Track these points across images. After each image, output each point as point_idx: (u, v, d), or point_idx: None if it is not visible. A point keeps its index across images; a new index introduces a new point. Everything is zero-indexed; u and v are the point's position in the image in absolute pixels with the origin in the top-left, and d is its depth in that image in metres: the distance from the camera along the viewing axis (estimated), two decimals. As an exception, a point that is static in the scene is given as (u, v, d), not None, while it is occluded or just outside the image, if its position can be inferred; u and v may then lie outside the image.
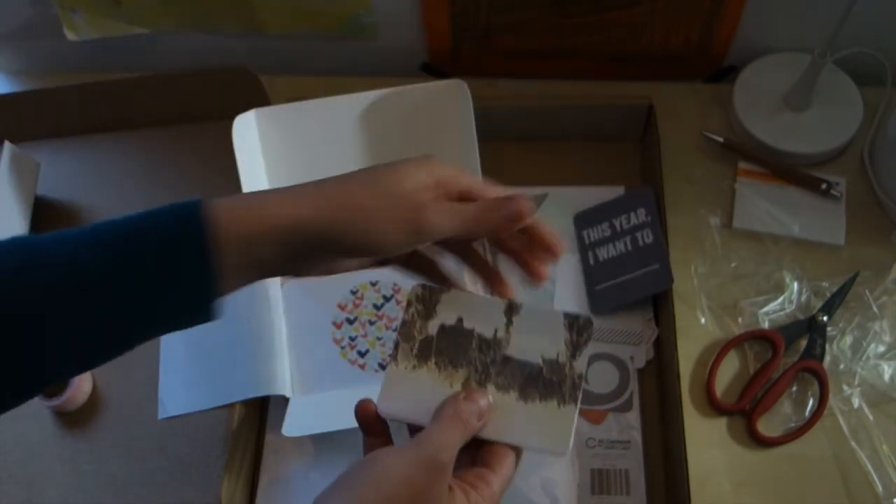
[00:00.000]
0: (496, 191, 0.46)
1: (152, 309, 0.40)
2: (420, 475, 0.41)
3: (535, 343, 0.48)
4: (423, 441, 0.43)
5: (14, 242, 0.39)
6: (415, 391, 0.47)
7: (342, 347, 0.76)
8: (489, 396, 0.47)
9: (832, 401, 0.68)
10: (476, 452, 0.46)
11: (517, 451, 0.46)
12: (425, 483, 0.41)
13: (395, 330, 0.48)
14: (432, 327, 0.49)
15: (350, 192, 0.43)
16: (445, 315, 0.49)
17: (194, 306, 0.41)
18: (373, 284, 0.77)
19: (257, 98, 0.80)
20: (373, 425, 0.47)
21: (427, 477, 0.41)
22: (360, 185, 0.43)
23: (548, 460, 0.71)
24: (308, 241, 0.41)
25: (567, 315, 0.48)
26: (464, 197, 0.45)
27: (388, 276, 0.77)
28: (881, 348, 0.70)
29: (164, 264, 0.39)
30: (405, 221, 0.43)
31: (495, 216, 0.45)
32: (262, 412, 0.76)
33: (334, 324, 0.76)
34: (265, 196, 0.43)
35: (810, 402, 0.69)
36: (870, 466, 0.66)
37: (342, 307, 0.77)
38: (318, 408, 0.73)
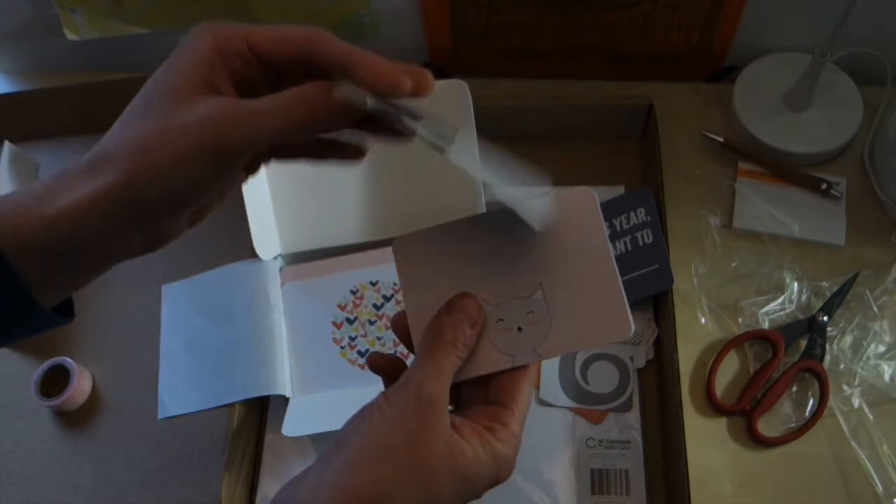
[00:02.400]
0: (294, 38, 0.37)
1: None
2: (410, 416, 0.37)
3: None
4: (408, 378, 0.39)
5: None
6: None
7: (342, 347, 0.76)
8: (477, 299, 0.41)
9: (832, 401, 0.68)
10: (486, 385, 0.42)
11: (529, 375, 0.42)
12: (418, 424, 0.37)
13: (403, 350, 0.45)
14: None
15: (124, 132, 0.36)
16: None
17: (21, 317, 0.37)
18: (373, 284, 0.77)
19: (257, 98, 0.80)
20: (388, 370, 0.42)
21: (418, 416, 0.37)
22: (135, 119, 0.36)
23: (548, 459, 0.71)
24: (107, 220, 0.35)
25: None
26: (256, 51, 0.37)
27: (389, 276, 0.77)
28: (881, 348, 0.70)
29: None
30: (190, 143, 0.34)
31: (320, 113, 0.35)
32: (262, 412, 0.76)
33: (334, 324, 0.76)
34: (43, 192, 0.35)
35: (810, 402, 0.69)
36: (870, 466, 0.66)
37: (342, 307, 0.77)
38: (318, 408, 0.73)
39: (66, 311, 0.40)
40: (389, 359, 0.43)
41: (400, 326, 0.43)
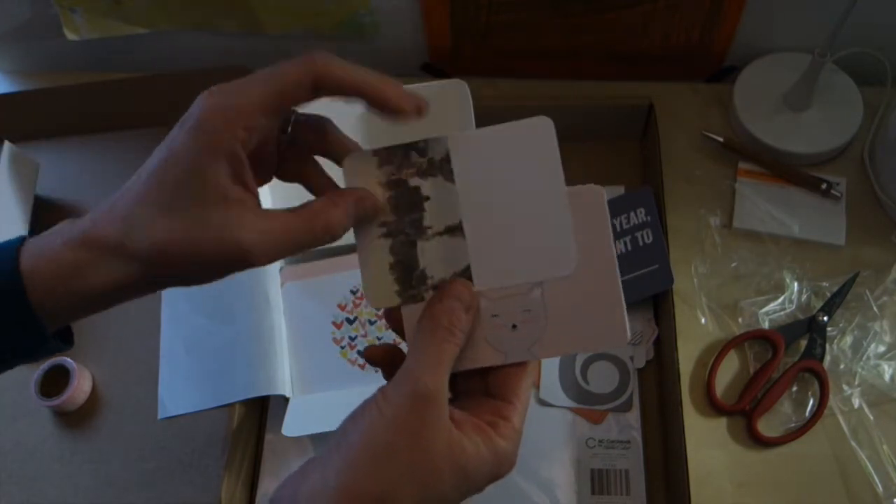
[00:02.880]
0: (295, 91, 0.38)
1: None
2: (408, 413, 0.36)
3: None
4: (405, 371, 0.38)
5: None
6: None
7: (342, 347, 0.76)
8: (470, 285, 0.40)
9: (832, 401, 0.68)
10: (486, 378, 0.41)
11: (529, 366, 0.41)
12: (418, 420, 0.36)
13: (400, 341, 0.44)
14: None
15: (154, 228, 0.37)
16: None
17: (28, 348, 0.40)
18: (373, 284, 0.77)
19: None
20: (385, 361, 0.43)
21: (416, 413, 0.36)
22: (165, 216, 0.37)
23: (548, 459, 0.71)
24: (131, 295, 0.41)
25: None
26: (273, 116, 0.39)
27: (388, 276, 0.77)
28: (881, 348, 0.70)
29: None
30: (219, 264, 0.38)
31: (340, 230, 0.40)
32: (262, 412, 0.76)
33: (334, 324, 0.76)
34: (75, 263, 0.38)
35: (810, 402, 0.69)
36: (870, 466, 0.66)
37: (342, 307, 0.77)
38: (318, 408, 0.73)
39: (66, 336, 0.44)
40: (385, 349, 0.42)
41: (394, 317, 0.43)
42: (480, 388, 0.41)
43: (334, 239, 0.40)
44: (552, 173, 0.41)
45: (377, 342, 0.75)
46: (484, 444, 0.38)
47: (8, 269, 0.38)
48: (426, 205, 0.41)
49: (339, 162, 0.43)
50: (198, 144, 0.37)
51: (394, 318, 0.43)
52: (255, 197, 0.39)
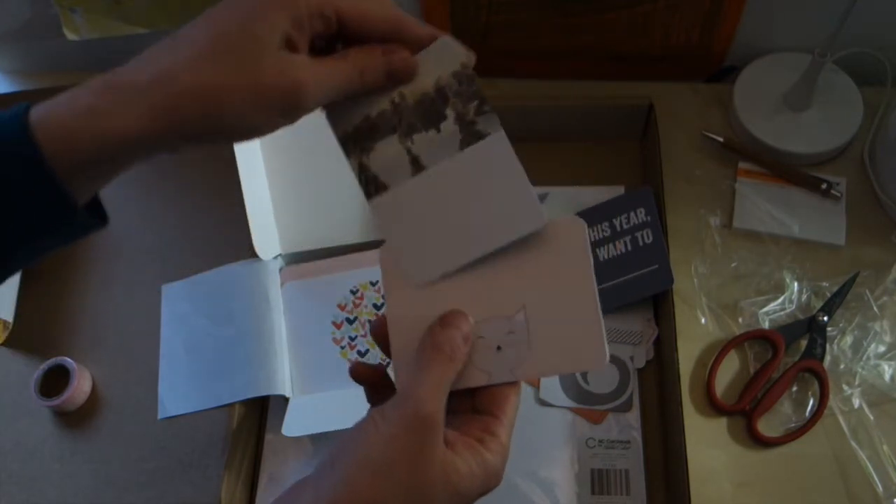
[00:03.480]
0: (380, 22, 0.41)
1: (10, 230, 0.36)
2: (407, 434, 0.37)
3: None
4: (404, 393, 0.39)
5: None
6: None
7: (342, 347, 0.76)
8: (469, 317, 0.42)
9: (832, 401, 0.68)
10: (473, 396, 0.42)
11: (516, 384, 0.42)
12: (416, 442, 0.37)
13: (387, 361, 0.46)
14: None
15: (198, 72, 0.36)
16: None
17: (56, 222, 0.37)
18: (373, 284, 0.77)
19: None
20: (370, 380, 0.43)
21: (416, 435, 0.37)
22: (210, 61, 0.36)
23: (548, 459, 0.71)
24: (157, 146, 0.37)
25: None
26: (341, 21, 0.39)
27: (388, 276, 0.77)
28: (881, 348, 0.70)
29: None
30: (274, 100, 0.37)
31: (379, 73, 0.41)
32: (262, 412, 0.76)
33: (334, 324, 0.76)
34: (95, 108, 0.36)
35: (810, 402, 0.69)
36: (870, 466, 0.66)
37: (342, 307, 0.77)
38: (317, 408, 0.73)
39: (101, 215, 0.40)
40: (372, 369, 0.43)
41: (379, 333, 0.44)
42: (468, 406, 0.42)
43: (374, 84, 0.41)
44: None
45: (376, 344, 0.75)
46: (474, 461, 0.39)
47: (16, 125, 0.35)
48: (430, 133, 0.44)
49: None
50: (275, 9, 0.37)
51: (380, 334, 0.44)
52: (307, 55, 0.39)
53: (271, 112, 0.37)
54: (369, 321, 0.76)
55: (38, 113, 0.35)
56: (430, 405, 0.38)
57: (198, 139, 0.37)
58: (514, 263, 0.43)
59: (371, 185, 0.44)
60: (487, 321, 0.43)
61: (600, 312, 0.42)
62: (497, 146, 0.43)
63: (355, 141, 0.44)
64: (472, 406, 0.42)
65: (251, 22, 0.37)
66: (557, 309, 0.42)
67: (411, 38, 0.42)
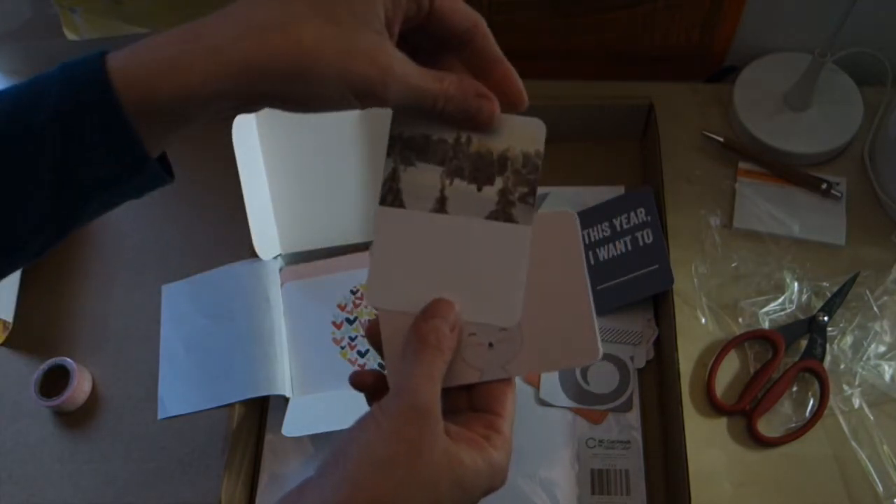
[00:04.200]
0: (464, 15, 0.40)
1: (82, 177, 0.35)
2: (407, 426, 0.37)
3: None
4: (399, 387, 0.39)
5: None
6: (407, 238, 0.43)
7: (342, 347, 0.76)
8: (454, 305, 0.42)
9: (832, 401, 0.68)
10: (469, 392, 0.42)
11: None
12: (416, 433, 0.37)
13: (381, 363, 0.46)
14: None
15: (291, 33, 0.35)
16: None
17: (128, 171, 0.36)
18: (373, 284, 0.77)
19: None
20: (371, 387, 0.43)
21: (415, 425, 0.37)
22: (306, 24, 0.35)
23: (548, 459, 0.71)
24: (236, 104, 0.37)
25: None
26: (433, 8, 0.39)
27: (388, 276, 0.77)
28: (882, 348, 0.70)
29: (75, 134, 0.34)
30: (359, 79, 0.36)
31: (459, 109, 0.41)
32: (262, 412, 0.76)
33: (334, 324, 0.76)
34: (177, 61, 0.35)
35: (810, 402, 0.69)
36: (870, 466, 0.65)
37: (342, 307, 0.77)
38: (317, 408, 0.73)
39: (167, 171, 0.39)
40: (373, 374, 0.43)
41: (373, 334, 0.44)
42: (465, 405, 0.42)
43: (447, 116, 0.41)
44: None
45: (371, 346, 0.75)
46: (480, 458, 0.38)
47: (93, 71, 0.34)
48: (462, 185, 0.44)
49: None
50: None
51: (374, 335, 0.43)
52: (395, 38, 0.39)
53: (352, 90, 0.36)
54: (369, 321, 0.76)
55: (116, 59, 0.34)
56: (423, 395, 0.38)
57: (273, 101, 0.37)
58: None
59: (390, 195, 0.44)
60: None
61: (592, 305, 0.42)
62: (518, 236, 0.43)
63: (403, 148, 0.43)
64: (470, 405, 0.42)
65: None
66: (549, 303, 0.42)
67: (482, 49, 0.42)
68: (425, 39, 0.41)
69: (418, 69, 0.39)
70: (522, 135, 0.44)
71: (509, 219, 0.43)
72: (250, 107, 0.38)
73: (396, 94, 0.38)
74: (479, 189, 0.43)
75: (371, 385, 0.43)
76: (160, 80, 0.34)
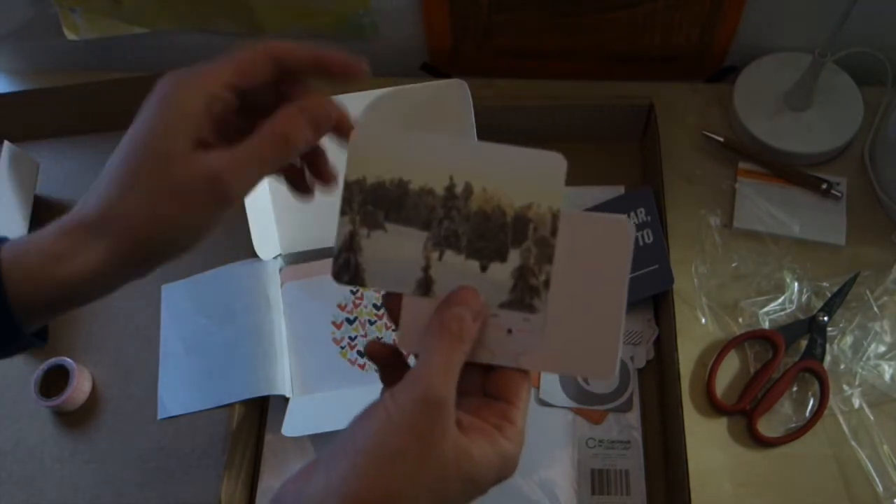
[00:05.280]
0: (259, 67, 0.40)
1: None
2: (418, 418, 0.36)
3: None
4: (414, 375, 0.38)
5: None
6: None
7: (342, 347, 0.76)
8: (479, 294, 0.38)
9: (832, 401, 0.68)
10: (484, 375, 0.41)
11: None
12: (428, 426, 0.36)
13: (395, 330, 0.42)
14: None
15: (125, 204, 0.39)
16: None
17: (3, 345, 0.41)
18: (373, 284, 0.77)
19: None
20: (385, 359, 0.42)
21: (427, 418, 0.36)
22: (130, 189, 0.39)
23: (548, 459, 0.71)
24: (119, 277, 0.40)
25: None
26: (237, 89, 0.40)
27: (388, 276, 0.77)
28: (882, 348, 0.70)
29: None
30: (199, 204, 0.38)
31: (305, 129, 0.39)
32: (262, 412, 0.76)
33: (334, 324, 0.76)
34: (54, 251, 0.39)
35: (811, 402, 0.69)
36: (870, 466, 0.66)
37: (342, 307, 0.77)
38: (317, 408, 0.73)
39: (41, 333, 0.44)
40: (389, 348, 0.42)
41: (376, 353, 0.42)
42: (478, 388, 0.41)
43: (299, 151, 0.40)
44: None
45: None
46: (492, 449, 0.38)
47: None
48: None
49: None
50: (158, 111, 0.39)
51: (375, 353, 0.42)
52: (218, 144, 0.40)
53: (204, 213, 0.39)
54: (369, 321, 0.76)
55: (7, 251, 0.39)
56: (440, 389, 0.37)
57: (154, 260, 0.40)
58: None
59: (345, 272, 0.35)
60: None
61: (623, 324, 0.39)
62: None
63: (365, 201, 0.33)
64: (482, 388, 0.41)
65: (153, 139, 0.39)
66: (581, 309, 0.39)
67: (333, 63, 0.41)
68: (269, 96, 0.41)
69: (239, 148, 0.39)
70: (546, 182, 0.33)
71: (528, 310, 0.35)
72: (143, 273, 0.41)
73: (242, 182, 0.39)
74: (485, 268, 0.34)
75: (387, 358, 0.42)
76: (43, 276, 0.39)
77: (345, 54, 0.41)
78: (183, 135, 0.38)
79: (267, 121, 0.39)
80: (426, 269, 0.33)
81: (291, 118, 0.40)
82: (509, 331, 0.39)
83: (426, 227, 0.32)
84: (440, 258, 0.33)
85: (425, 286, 0.34)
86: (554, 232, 0.33)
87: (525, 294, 0.34)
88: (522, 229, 0.32)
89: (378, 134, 0.34)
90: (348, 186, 0.34)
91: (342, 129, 0.40)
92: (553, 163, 0.33)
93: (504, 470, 0.39)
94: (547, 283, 0.35)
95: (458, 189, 0.31)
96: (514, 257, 0.33)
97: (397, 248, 0.33)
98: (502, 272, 0.33)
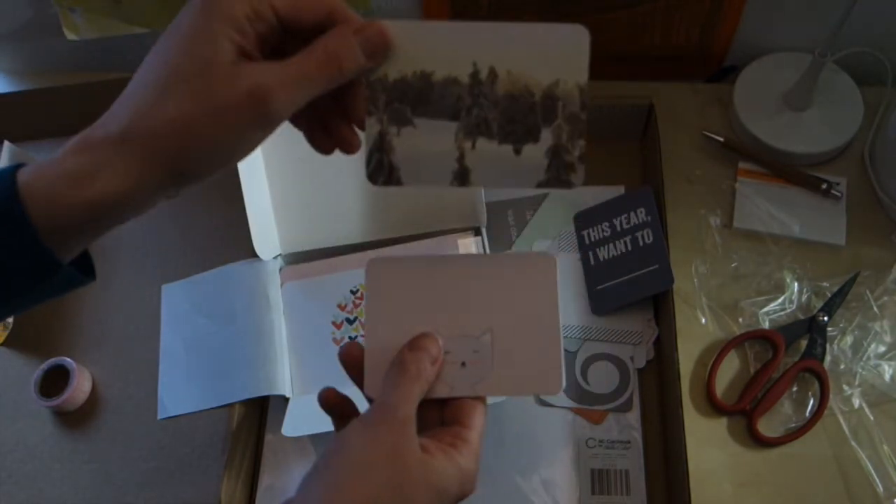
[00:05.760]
0: (313, 5, 0.37)
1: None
2: (386, 434, 0.40)
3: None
4: (380, 402, 0.42)
5: None
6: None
7: (339, 350, 0.76)
8: (438, 341, 0.44)
9: (832, 401, 0.68)
10: (442, 409, 0.45)
11: (483, 399, 0.45)
12: (395, 440, 0.40)
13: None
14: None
15: (160, 112, 0.35)
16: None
17: (39, 281, 0.37)
18: (373, 284, 0.77)
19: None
20: (339, 409, 0.45)
21: (394, 433, 0.40)
22: (169, 96, 0.35)
23: (548, 459, 0.71)
24: (148, 196, 0.37)
25: None
26: (279, 15, 0.37)
27: (388, 276, 0.77)
28: (882, 348, 0.70)
29: None
30: (240, 116, 0.35)
31: (359, 55, 0.36)
32: (262, 412, 0.76)
33: (334, 324, 0.76)
34: (78, 170, 0.36)
35: (811, 402, 0.69)
36: (870, 466, 0.65)
37: (342, 307, 0.77)
38: (317, 408, 0.72)
39: (87, 270, 0.40)
40: (343, 398, 0.45)
41: (350, 356, 0.46)
42: (436, 421, 0.45)
43: (351, 74, 0.37)
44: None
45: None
46: (449, 464, 0.41)
47: (3, 187, 0.35)
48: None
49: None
50: (201, 15, 0.36)
51: (350, 356, 0.46)
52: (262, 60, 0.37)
53: (242, 129, 0.36)
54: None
55: (26, 175, 0.36)
56: (402, 410, 0.41)
57: (184, 179, 0.37)
58: (486, 289, 0.44)
59: (380, 172, 0.34)
60: (455, 339, 0.45)
61: (562, 343, 0.44)
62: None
63: (392, 99, 0.32)
64: (441, 419, 0.45)
65: (196, 44, 0.36)
66: (522, 336, 0.44)
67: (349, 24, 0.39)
68: (293, 43, 0.38)
69: (290, 63, 0.36)
70: (569, 61, 0.32)
71: (564, 185, 0.35)
72: (170, 193, 0.38)
73: (289, 99, 0.36)
74: (518, 151, 0.33)
75: (338, 406, 0.45)
76: (66, 198, 0.35)
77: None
78: (228, 40, 0.35)
79: (318, 38, 0.37)
80: (460, 159, 0.32)
81: (346, 38, 0.37)
82: (463, 364, 0.44)
83: (455, 117, 0.31)
84: (473, 147, 0.32)
85: (462, 176, 0.33)
86: (583, 106, 0.32)
87: (561, 171, 0.34)
88: (552, 107, 0.31)
89: (393, 27, 0.33)
90: (371, 85, 0.33)
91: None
92: (575, 36, 0.33)
93: (464, 486, 0.42)
94: (581, 158, 0.34)
95: (483, 75, 0.30)
96: (547, 136, 0.32)
97: (429, 141, 0.32)
98: (536, 152, 0.33)
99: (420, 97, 0.31)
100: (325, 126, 0.41)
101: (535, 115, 0.31)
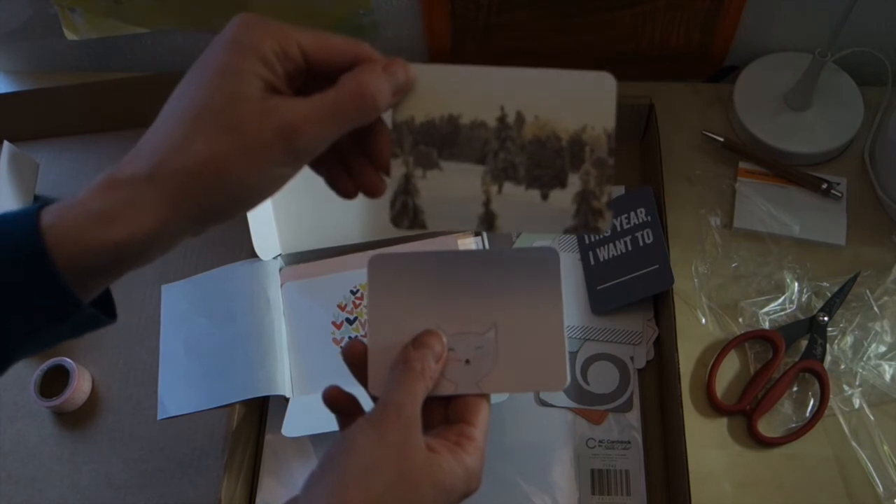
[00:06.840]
0: (341, 47, 0.37)
1: (16, 329, 0.36)
2: (392, 432, 0.40)
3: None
4: (384, 401, 0.42)
5: None
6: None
7: (342, 347, 0.76)
8: (443, 338, 0.44)
9: (833, 401, 0.68)
10: (446, 408, 0.45)
11: (487, 396, 0.45)
12: (400, 439, 0.40)
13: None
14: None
15: (190, 149, 0.34)
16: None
17: (60, 321, 0.36)
18: (373, 284, 0.77)
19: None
20: (344, 408, 0.45)
21: (399, 432, 0.40)
22: (199, 133, 0.35)
23: (548, 459, 0.71)
24: (174, 235, 0.36)
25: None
26: (306, 56, 0.37)
27: (388, 276, 0.77)
28: (882, 348, 0.70)
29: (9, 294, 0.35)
30: (267, 152, 0.35)
31: (383, 91, 0.36)
32: (262, 412, 0.76)
33: (334, 324, 0.76)
34: (104, 210, 0.35)
35: (811, 403, 0.69)
36: (870, 466, 0.66)
37: (342, 307, 0.77)
38: (317, 408, 0.72)
39: (107, 309, 0.40)
40: (348, 396, 0.45)
41: (353, 354, 0.46)
42: (441, 419, 0.45)
43: (380, 111, 0.36)
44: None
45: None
46: (455, 461, 0.41)
47: (27, 228, 0.34)
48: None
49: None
50: (231, 50, 0.36)
51: (353, 354, 0.46)
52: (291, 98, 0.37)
53: (270, 165, 0.35)
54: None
55: (50, 215, 0.35)
56: (408, 408, 0.41)
57: (210, 218, 0.36)
58: (489, 284, 0.44)
59: (405, 216, 0.34)
60: (458, 336, 0.44)
61: (566, 339, 0.43)
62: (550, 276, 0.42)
63: (417, 141, 0.32)
64: (445, 417, 0.45)
65: (224, 80, 0.35)
66: (526, 331, 0.44)
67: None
68: (316, 85, 0.38)
69: (318, 98, 0.36)
70: (598, 106, 0.31)
71: (592, 231, 0.35)
72: (196, 230, 0.37)
73: (316, 136, 0.36)
74: (545, 196, 0.33)
75: (345, 405, 0.45)
76: (90, 240, 0.34)
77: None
78: (257, 76, 0.35)
79: (346, 74, 0.36)
80: (486, 203, 0.32)
81: (377, 73, 0.37)
82: (467, 361, 0.44)
83: (481, 160, 0.31)
84: (499, 191, 0.32)
85: (488, 221, 0.33)
86: (611, 152, 0.32)
87: (589, 217, 0.33)
88: (579, 153, 0.31)
89: (421, 71, 0.34)
90: (397, 127, 0.33)
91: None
92: (602, 83, 0.32)
93: (469, 483, 0.42)
94: (609, 204, 0.34)
95: (510, 119, 0.30)
96: (574, 182, 0.32)
97: (455, 185, 0.32)
98: (563, 197, 0.32)
99: (447, 140, 0.31)
100: (348, 169, 0.41)
101: (563, 160, 0.31)
